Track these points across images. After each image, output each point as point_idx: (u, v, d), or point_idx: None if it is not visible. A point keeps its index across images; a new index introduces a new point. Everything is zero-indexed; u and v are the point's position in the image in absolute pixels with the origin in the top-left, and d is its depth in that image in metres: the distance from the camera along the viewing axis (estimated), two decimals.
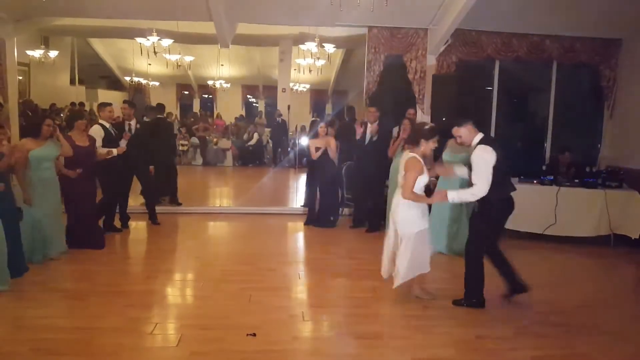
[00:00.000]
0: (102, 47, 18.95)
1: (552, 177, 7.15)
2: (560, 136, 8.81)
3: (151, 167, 7.26)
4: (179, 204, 8.46)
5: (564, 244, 6.85)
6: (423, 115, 8.19)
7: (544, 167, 7.82)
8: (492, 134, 8.68)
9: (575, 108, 9.33)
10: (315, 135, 7.59)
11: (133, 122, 7.05)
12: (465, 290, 4.53)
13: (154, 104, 11.61)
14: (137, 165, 7.01)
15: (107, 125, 6.62)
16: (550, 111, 8.85)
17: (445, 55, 8.19)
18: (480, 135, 4.37)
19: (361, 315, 4.31)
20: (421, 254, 4.43)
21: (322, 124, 7.65)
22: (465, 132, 4.38)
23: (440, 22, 7.89)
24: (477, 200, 4.41)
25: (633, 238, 6.83)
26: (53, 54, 14.34)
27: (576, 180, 7.08)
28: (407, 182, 4.32)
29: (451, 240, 6.17)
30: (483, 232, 4.48)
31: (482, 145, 4.29)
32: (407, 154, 4.44)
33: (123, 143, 6.73)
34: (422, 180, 4.38)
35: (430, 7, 7.71)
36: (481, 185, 4.23)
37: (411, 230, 4.38)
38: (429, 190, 4.80)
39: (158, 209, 7.64)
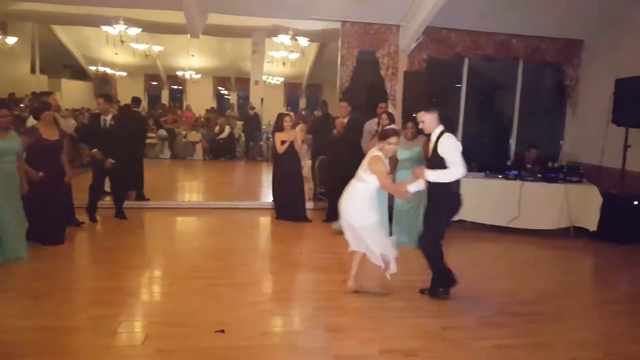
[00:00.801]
0: (65, 34, 18.38)
1: (516, 172, 7.36)
2: (525, 133, 9.06)
3: (109, 160, 6.86)
4: (146, 199, 8.35)
5: (526, 236, 7.06)
6: (394, 111, 8.28)
7: (509, 163, 8.05)
8: (460, 130, 8.87)
9: (539, 106, 9.60)
10: (281, 129, 7.48)
11: (108, 117, 6.88)
12: (434, 283, 4.64)
13: (120, 94, 11.38)
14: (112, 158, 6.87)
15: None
16: (515, 108, 9.07)
17: (416, 52, 8.29)
18: (441, 127, 4.48)
19: (331, 308, 4.36)
20: (384, 243, 4.53)
21: (287, 117, 7.57)
22: (430, 118, 4.46)
23: (411, 20, 7.98)
24: (433, 195, 4.55)
25: (591, 230, 7.11)
26: (11, 40, 13.81)
27: (539, 175, 7.31)
28: (383, 180, 4.39)
29: (415, 232, 6.28)
30: (437, 226, 4.60)
31: (449, 133, 4.43)
32: (373, 152, 4.53)
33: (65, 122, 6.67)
34: None
35: (402, 4, 7.79)
36: (458, 168, 4.33)
37: (365, 221, 4.45)
38: None
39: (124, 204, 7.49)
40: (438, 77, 8.45)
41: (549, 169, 7.62)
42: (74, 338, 3.62)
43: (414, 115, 7.28)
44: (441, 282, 4.63)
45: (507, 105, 9.39)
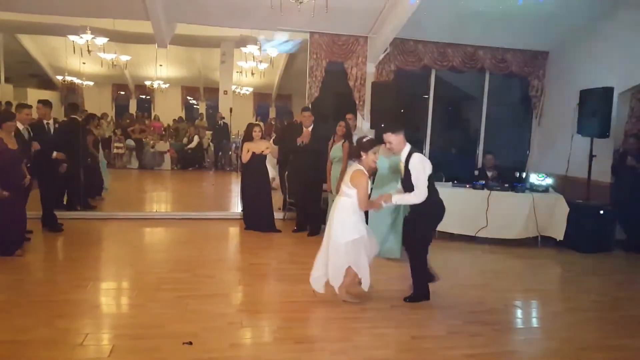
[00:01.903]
0: (32, 44, 17.96)
1: (483, 182, 7.46)
2: (491, 143, 9.23)
3: (57, 159, 6.96)
4: (78, 210, 8.07)
5: (494, 246, 7.15)
6: (363, 122, 8.33)
7: (476, 173, 8.18)
8: (428, 140, 8.99)
9: (506, 116, 9.81)
10: (250, 138, 7.44)
11: (51, 122, 6.97)
12: (415, 289, 4.82)
13: (88, 104, 11.12)
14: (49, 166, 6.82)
15: (21, 127, 6.36)
16: (482, 119, 9.24)
17: (384, 63, 8.39)
18: (409, 147, 4.61)
19: (300, 319, 4.32)
20: (356, 260, 4.51)
21: (256, 127, 7.55)
22: (396, 140, 4.57)
23: (379, 31, 8.06)
24: (413, 207, 4.70)
25: (558, 240, 7.23)
26: None
27: (506, 185, 7.41)
28: (362, 196, 4.44)
29: (382, 244, 6.33)
30: (423, 235, 4.79)
31: (420, 154, 4.55)
32: (354, 166, 4.56)
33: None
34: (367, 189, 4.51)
35: (370, 15, 7.87)
36: (422, 190, 4.47)
37: (353, 235, 4.46)
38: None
39: (79, 214, 7.51)
40: (406, 88, 8.57)
41: (516, 178, 7.76)
42: (38, 351, 3.50)
43: (382, 125, 7.46)
44: (422, 289, 4.78)
45: (474, 116, 9.56)
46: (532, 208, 7.22)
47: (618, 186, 7.54)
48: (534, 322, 4.82)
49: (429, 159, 4.65)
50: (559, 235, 7.21)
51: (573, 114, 7.67)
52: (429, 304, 4.81)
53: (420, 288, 4.80)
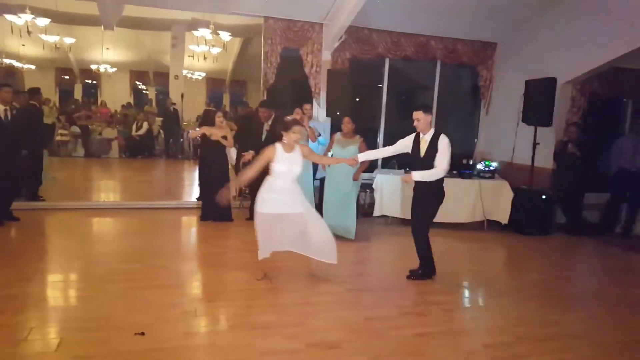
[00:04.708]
0: None
1: None
2: (442, 131, 9.40)
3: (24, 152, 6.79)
4: (41, 199, 7.80)
5: (443, 230, 7.31)
6: (319, 109, 8.34)
7: None
8: (382, 128, 9.09)
9: (456, 105, 10.04)
10: (211, 125, 7.32)
11: (7, 108, 6.51)
12: (421, 264, 5.20)
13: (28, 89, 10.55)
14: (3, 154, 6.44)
15: (2, 108, 6.17)
16: (434, 108, 9.41)
17: (339, 51, 8.38)
18: (433, 130, 5.00)
19: (255, 306, 4.33)
20: (264, 235, 4.74)
21: (219, 113, 7.45)
22: (425, 119, 4.96)
23: (334, 18, 8.04)
24: (424, 187, 5.02)
25: (503, 223, 7.58)
26: None
27: (454, 172, 7.63)
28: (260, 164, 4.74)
29: (338, 222, 6.44)
30: (429, 215, 5.13)
31: (447, 137, 4.97)
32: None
33: None
34: (279, 166, 4.70)
35: (325, 2, 7.84)
36: (443, 168, 4.92)
37: (259, 209, 4.72)
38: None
39: (23, 205, 7.19)
40: (361, 76, 8.60)
41: (464, 165, 7.99)
42: None
43: (337, 113, 7.47)
44: (429, 266, 5.18)
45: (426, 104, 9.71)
46: (478, 193, 7.53)
47: (559, 172, 7.92)
48: (480, 301, 5.03)
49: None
50: (504, 219, 7.57)
51: (519, 103, 7.95)
52: (382, 286, 4.98)
53: (426, 266, 5.16)
